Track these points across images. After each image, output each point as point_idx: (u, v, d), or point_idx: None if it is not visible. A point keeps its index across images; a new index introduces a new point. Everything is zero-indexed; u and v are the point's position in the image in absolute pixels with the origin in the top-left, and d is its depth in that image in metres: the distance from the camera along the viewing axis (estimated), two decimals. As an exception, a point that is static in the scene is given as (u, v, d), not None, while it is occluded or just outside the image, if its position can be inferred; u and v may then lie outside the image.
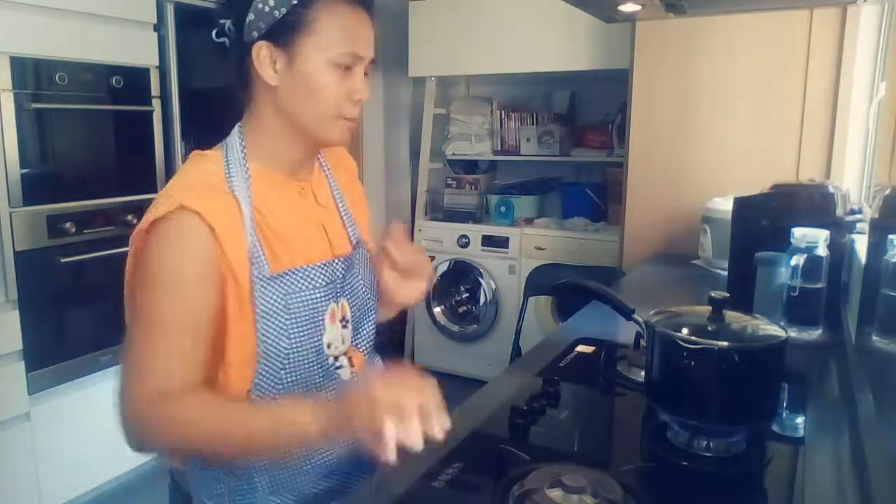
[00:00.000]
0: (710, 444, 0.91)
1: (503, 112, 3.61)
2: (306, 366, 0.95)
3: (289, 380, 0.93)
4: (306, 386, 0.94)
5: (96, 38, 2.22)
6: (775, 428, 1.01)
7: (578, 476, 0.76)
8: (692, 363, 0.88)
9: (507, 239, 3.36)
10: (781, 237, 1.37)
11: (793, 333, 1.33)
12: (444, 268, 3.52)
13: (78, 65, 2.18)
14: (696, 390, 0.91)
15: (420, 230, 3.61)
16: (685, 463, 0.91)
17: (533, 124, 3.52)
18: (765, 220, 1.54)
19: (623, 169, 2.67)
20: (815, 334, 1.37)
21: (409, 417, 0.72)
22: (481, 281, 3.43)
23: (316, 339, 0.95)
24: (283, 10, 0.87)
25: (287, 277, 0.92)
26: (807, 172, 2.26)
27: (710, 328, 0.91)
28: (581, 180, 3.68)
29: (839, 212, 1.51)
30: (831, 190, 1.54)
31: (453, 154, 3.75)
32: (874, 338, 1.07)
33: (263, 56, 0.89)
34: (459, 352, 3.57)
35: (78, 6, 2.14)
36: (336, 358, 0.99)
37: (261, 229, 0.91)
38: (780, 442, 0.98)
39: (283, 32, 0.88)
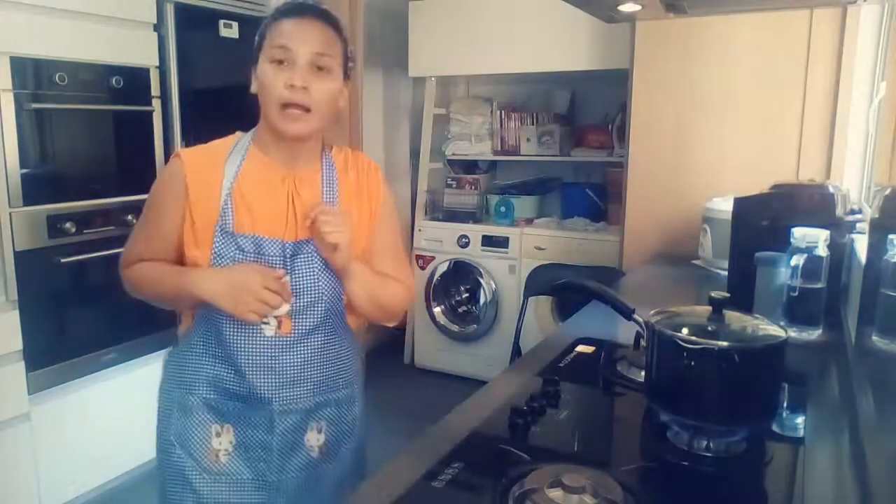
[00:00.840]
0: (710, 444, 0.91)
1: (503, 112, 3.61)
2: (242, 324, 1.13)
3: (220, 314, 1.12)
4: (235, 322, 1.12)
5: (96, 38, 2.22)
6: (775, 428, 1.01)
7: (578, 476, 0.76)
8: (692, 363, 0.88)
9: (507, 239, 3.36)
10: (781, 237, 1.37)
11: (793, 333, 1.33)
12: (444, 268, 3.52)
13: (78, 65, 2.17)
14: (696, 390, 0.91)
15: (420, 230, 3.61)
16: (685, 463, 0.91)
17: (533, 124, 3.52)
18: (765, 220, 1.54)
19: (623, 169, 2.67)
20: (815, 334, 1.37)
21: (254, 292, 1.06)
22: (481, 281, 3.43)
23: None
24: (258, 38, 1.14)
25: (243, 238, 1.12)
26: (807, 172, 2.26)
27: (710, 328, 0.91)
28: (581, 180, 3.68)
29: (839, 212, 1.51)
30: (831, 190, 1.54)
31: (453, 154, 3.75)
32: (874, 338, 1.07)
33: (251, 73, 1.15)
34: (459, 352, 3.57)
35: (78, 6, 2.14)
36: (264, 316, 1.11)
37: (238, 195, 1.13)
38: (780, 442, 0.98)
39: (255, 52, 1.15)
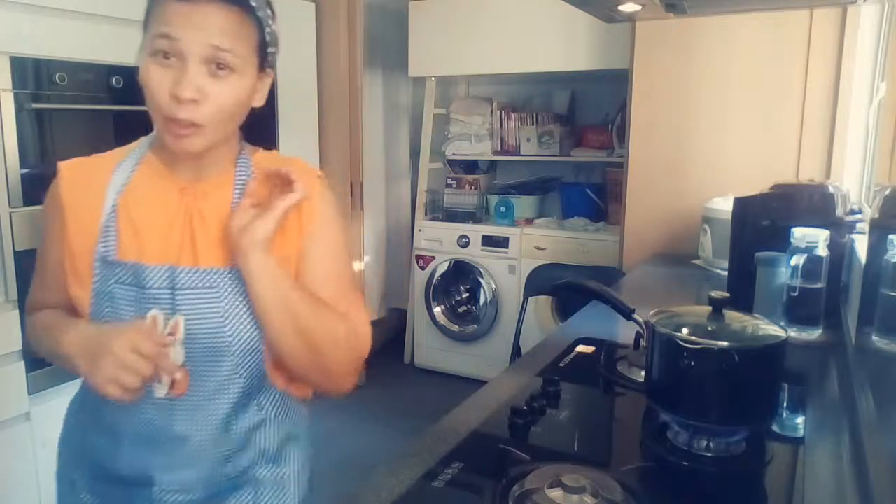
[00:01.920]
0: (710, 444, 0.91)
1: (503, 112, 3.61)
2: None
3: None
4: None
5: (96, 38, 2.22)
6: (775, 428, 1.01)
7: (578, 476, 0.76)
8: (692, 363, 0.88)
9: (507, 239, 3.36)
10: (781, 237, 1.37)
11: (793, 333, 1.33)
12: (444, 268, 3.52)
13: (78, 65, 2.17)
14: (696, 390, 0.91)
15: (420, 230, 3.61)
16: (685, 463, 0.91)
17: (533, 124, 3.52)
18: (765, 220, 1.54)
19: (623, 169, 2.67)
20: (815, 334, 1.37)
21: (114, 357, 0.80)
22: (481, 281, 3.43)
23: None
24: (144, 16, 0.87)
25: (122, 268, 0.89)
26: (807, 172, 2.26)
27: (710, 328, 0.91)
28: (581, 180, 3.68)
29: (839, 212, 1.51)
30: (831, 190, 1.54)
31: (453, 154, 3.75)
32: (874, 338, 1.07)
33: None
34: (459, 352, 3.57)
35: (78, 6, 2.14)
36: (130, 389, 0.83)
37: (122, 212, 0.91)
38: (780, 442, 0.98)
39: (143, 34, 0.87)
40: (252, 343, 0.91)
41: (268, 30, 0.89)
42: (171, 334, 0.87)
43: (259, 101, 0.93)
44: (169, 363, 0.85)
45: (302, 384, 1.00)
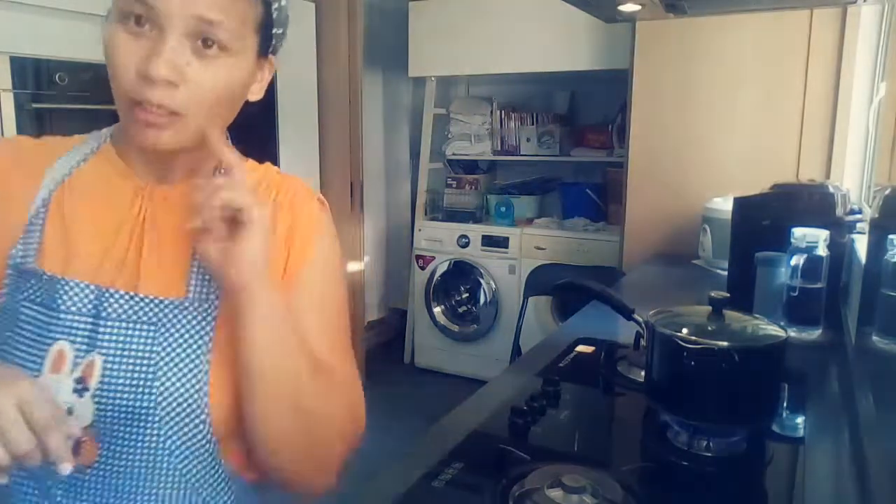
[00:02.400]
0: (710, 444, 0.91)
1: (503, 112, 3.62)
2: None
3: None
4: None
5: (96, 38, 2.21)
6: (775, 428, 1.01)
7: (578, 476, 0.76)
8: (692, 363, 0.88)
9: (507, 239, 3.36)
10: (781, 237, 1.37)
11: (793, 333, 1.33)
12: (444, 268, 3.52)
13: (78, 65, 2.17)
14: (696, 390, 0.91)
15: (420, 230, 3.61)
16: (685, 463, 0.91)
17: (533, 124, 3.52)
18: (765, 220, 1.54)
19: (623, 169, 2.67)
20: (815, 334, 1.37)
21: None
22: (481, 281, 3.43)
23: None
24: None
25: (36, 280, 0.68)
26: (807, 172, 2.26)
27: (710, 328, 0.91)
28: (581, 180, 3.67)
29: (839, 212, 1.51)
30: (831, 190, 1.54)
31: (453, 154, 3.75)
32: (874, 338, 1.07)
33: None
34: (459, 352, 3.57)
35: (78, 6, 2.14)
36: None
37: (54, 211, 0.71)
38: (780, 442, 0.98)
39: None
40: (191, 408, 0.67)
41: (275, 5, 0.72)
42: (80, 380, 0.66)
43: (257, 93, 0.74)
44: (60, 444, 0.56)
45: (264, 471, 0.74)
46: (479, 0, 3.32)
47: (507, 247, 3.36)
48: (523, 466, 0.83)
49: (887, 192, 1.23)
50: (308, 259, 0.76)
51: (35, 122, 2.08)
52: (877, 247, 1.09)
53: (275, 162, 3.34)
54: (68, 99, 2.16)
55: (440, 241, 3.54)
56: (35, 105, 2.05)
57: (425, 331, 3.65)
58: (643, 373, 1.04)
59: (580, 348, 1.35)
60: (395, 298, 3.98)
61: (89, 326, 0.67)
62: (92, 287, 0.68)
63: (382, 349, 3.78)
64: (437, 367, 3.65)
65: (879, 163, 1.99)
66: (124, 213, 0.72)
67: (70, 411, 0.65)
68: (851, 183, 2.23)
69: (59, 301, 0.67)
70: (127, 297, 0.68)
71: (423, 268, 3.59)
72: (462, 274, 3.52)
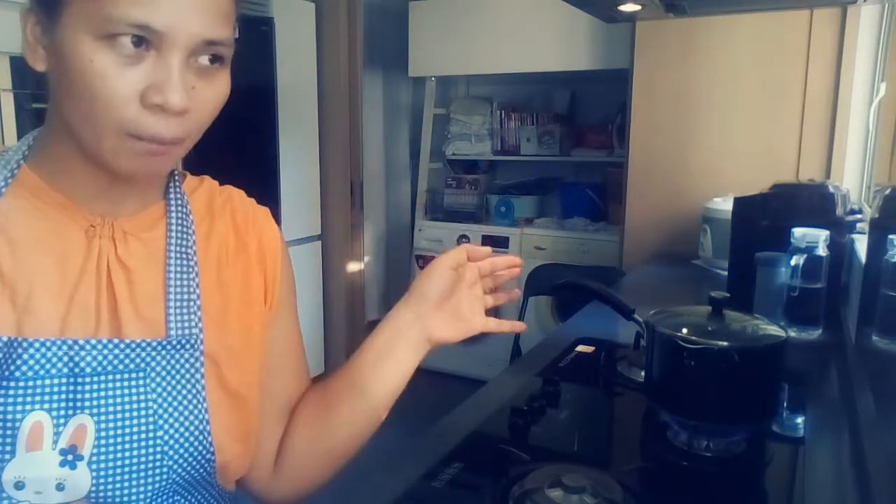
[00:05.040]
0: (710, 444, 0.91)
1: (503, 112, 3.62)
2: None
3: None
4: None
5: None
6: (775, 428, 1.01)
7: (578, 476, 0.76)
8: (692, 363, 0.88)
9: (507, 239, 3.36)
10: (781, 237, 1.37)
11: (793, 333, 1.33)
12: (444, 268, 3.52)
13: (78, 65, 2.18)
14: (696, 390, 0.91)
15: (420, 230, 3.61)
16: (685, 463, 0.91)
17: (533, 124, 3.53)
18: (765, 220, 1.54)
19: (623, 169, 2.67)
20: (815, 334, 1.37)
21: None
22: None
23: None
24: None
25: None
26: (807, 172, 2.26)
27: (710, 328, 0.91)
28: (581, 180, 3.68)
29: (839, 212, 1.51)
30: (831, 190, 1.54)
31: (453, 154, 3.75)
32: (874, 338, 1.07)
33: (30, 27, 0.61)
34: (459, 352, 3.55)
35: (78, 6, 2.14)
36: None
37: None
38: (780, 442, 0.98)
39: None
40: (198, 451, 0.64)
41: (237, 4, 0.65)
42: (67, 450, 0.58)
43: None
44: None
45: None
46: (479, 0, 3.32)
47: (507, 247, 3.36)
48: (523, 466, 0.83)
49: (887, 192, 1.23)
50: (284, 279, 0.76)
51: (35, 122, 2.08)
52: (877, 247, 1.09)
53: (275, 162, 3.35)
54: (68, 99, 2.16)
55: (440, 241, 3.54)
56: (35, 105, 2.06)
57: (425, 331, 3.64)
58: (643, 373, 1.04)
59: (580, 348, 1.35)
60: (395, 298, 3.94)
61: (66, 388, 0.58)
62: (58, 342, 0.59)
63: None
64: (436, 367, 3.64)
65: (879, 163, 1.99)
66: (80, 256, 0.63)
67: (60, 488, 0.57)
68: (851, 183, 2.23)
69: (26, 367, 0.57)
70: (108, 345, 0.60)
71: (422, 268, 3.57)
72: (462, 274, 3.51)
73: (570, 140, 3.53)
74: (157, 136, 0.57)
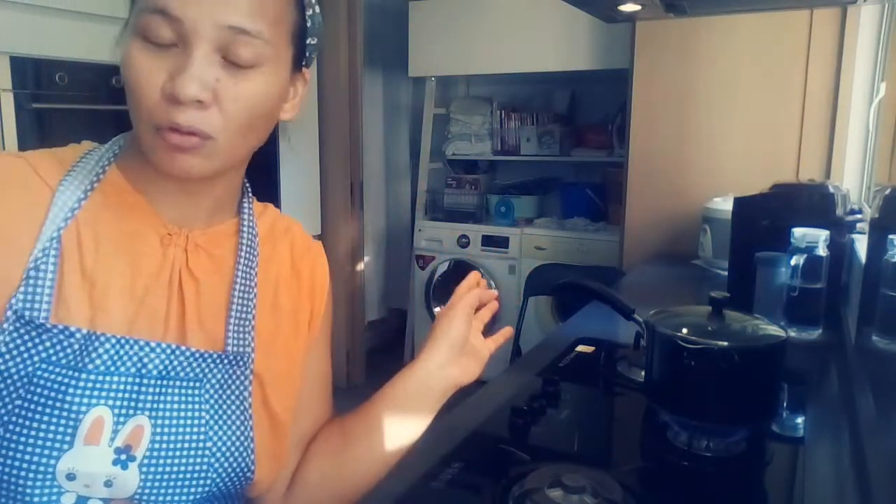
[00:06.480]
0: (710, 444, 0.91)
1: (503, 112, 3.62)
2: (19, 492, 0.56)
3: None
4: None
5: (96, 38, 2.22)
6: (775, 428, 1.01)
7: (578, 476, 0.76)
8: (692, 363, 0.88)
9: (507, 239, 3.36)
10: (781, 237, 1.37)
11: (793, 333, 1.33)
12: (444, 268, 3.52)
13: (78, 65, 2.17)
14: (696, 390, 0.91)
15: (420, 230, 3.61)
16: (685, 463, 0.91)
17: (533, 124, 3.53)
18: (765, 220, 1.54)
19: (623, 169, 2.67)
20: (815, 334, 1.37)
21: None
22: (481, 281, 3.42)
23: (45, 454, 0.56)
24: None
25: (58, 338, 0.58)
26: (807, 172, 2.26)
27: (710, 328, 0.91)
28: (581, 180, 3.68)
29: (839, 212, 1.51)
30: (831, 190, 1.54)
31: (453, 154, 3.75)
32: (874, 338, 1.07)
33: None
34: (459, 352, 3.56)
35: (78, 6, 2.14)
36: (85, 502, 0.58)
37: (71, 259, 0.61)
38: (780, 442, 0.98)
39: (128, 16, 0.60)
40: (241, 467, 0.65)
41: (309, 12, 0.64)
42: (123, 449, 0.58)
43: (290, 111, 0.67)
44: None
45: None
46: (479, 0, 3.32)
47: (507, 247, 3.36)
48: (523, 466, 0.83)
49: (887, 192, 1.23)
50: (326, 313, 0.79)
51: (35, 122, 2.08)
52: (877, 247, 1.09)
53: (275, 161, 3.35)
54: (68, 99, 2.16)
55: (440, 241, 3.54)
56: (35, 105, 2.06)
57: (425, 331, 3.65)
58: (643, 373, 1.04)
59: (580, 348, 1.35)
60: (395, 298, 3.98)
61: (132, 387, 0.59)
62: (130, 341, 0.60)
63: (382, 349, 3.77)
64: (437, 367, 3.65)
65: (879, 163, 1.99)
66: (155, 263, 0.65)
67: (108, 484, 0.58)
68: (851, 183, 2.23)
69: (96, 360, 0.58)
70: (174, 351, 0.62)
71: (423, 268, 3.59)
72: (462, 274, 3.45)
73: (570, 140, 3.53)
74: (172, 123, 0.57)
